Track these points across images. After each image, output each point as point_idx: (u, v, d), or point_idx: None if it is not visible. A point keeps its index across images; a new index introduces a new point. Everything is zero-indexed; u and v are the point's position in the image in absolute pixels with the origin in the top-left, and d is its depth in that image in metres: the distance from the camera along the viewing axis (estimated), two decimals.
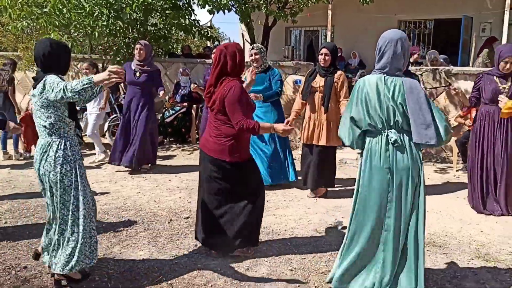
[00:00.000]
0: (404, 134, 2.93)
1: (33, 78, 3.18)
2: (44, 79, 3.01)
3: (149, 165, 6.58)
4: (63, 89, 2.87)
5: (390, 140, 2.92)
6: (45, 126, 3.07)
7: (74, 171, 3.11)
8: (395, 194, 2.94)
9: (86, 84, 2.84)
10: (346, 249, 3.13)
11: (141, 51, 6.12)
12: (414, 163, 2.93)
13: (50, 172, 3.06)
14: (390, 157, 2.93)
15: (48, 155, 3.06)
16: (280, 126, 3.44)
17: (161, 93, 6.17)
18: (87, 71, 6.74)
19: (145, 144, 6.31)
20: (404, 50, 2.94)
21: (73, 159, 3.11)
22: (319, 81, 5.14)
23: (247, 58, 4.90)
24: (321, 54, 5.11)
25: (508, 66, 4.70)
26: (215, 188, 3.61)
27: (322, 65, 5.12)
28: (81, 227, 3.12)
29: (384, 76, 2.96)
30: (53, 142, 3.08)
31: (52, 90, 2.92)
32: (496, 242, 4.13)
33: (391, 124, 2.93)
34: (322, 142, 5.17)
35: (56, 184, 3.08)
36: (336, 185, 5.55)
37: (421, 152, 2.99)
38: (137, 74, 6.14)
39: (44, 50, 3.07)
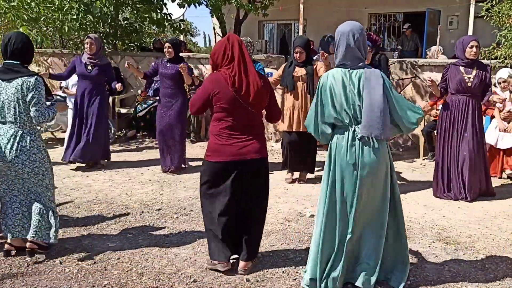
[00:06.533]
0: None
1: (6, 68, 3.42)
2: (35, 82, 3.37)
3: (106, 160, 6.50)
4: (44, 118, 3.41)
5: (357, 136, 2.92)
6: (20, 117, 3.38)
7: (47, 158, 3.57)
8: (361, 190, 2.95)
9: (54, 114, 3.52)
10: (321, 247, 3.06)
11: (92, 45, 6.05)
12: (381, 158, 2.94)
13: (25, 160, 3.40)
14: (356, 152, 2.92)
15: (21, 145, 3.37)
16: None
17: (118, 86, 6.09)
18: None
19: (99, 138, 6.22)
20: (358, 42, 2.95)
21: (44, 147, 3.55)
22: (299, 71, 5.38)
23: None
24: (296, 52, 5.37)
25: (474, 49, 4.86)
26: (254, 191, 3.32)
27: (298, 61, 5.38)
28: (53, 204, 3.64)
29: (349, 70, 2.95)
30: (25, 133, 3.40)
31: (35, 104, 3.36)
32: (457, 226, 4.31)
33: (359, 120, 2.93)
34: None
35: (33, 170, 3.45)
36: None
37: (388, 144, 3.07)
38: (89, 67, 6.08)
39: (19, 43, 3.39)
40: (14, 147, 3.36)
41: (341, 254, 3.03)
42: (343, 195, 2.99)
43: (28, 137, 3.41)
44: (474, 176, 5.03)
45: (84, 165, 6.31)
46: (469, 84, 4.89)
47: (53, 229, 3.57)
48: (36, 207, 3.54)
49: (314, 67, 5.33)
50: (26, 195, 3.55)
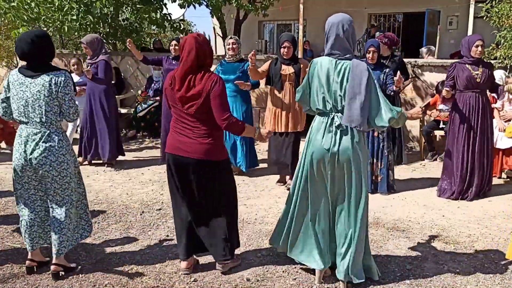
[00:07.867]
0: None
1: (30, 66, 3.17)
2: (65, 78, 3.16)
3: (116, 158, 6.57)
4: (78, 114, 3.32)
5: (335, 123, 3.02)
6: (47, 116, 3.16)
7: (75, 160, 3.40)
8: (331, 176, 3.07)
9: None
10: (288, 220, 3.34)
11: (86, 49, 6.07)
12: (357, 147, 3.02)
13: (54, 162, 3.17)
14: (332, 139, 3.02)
15: (50, 145, 3.15)
16: (264, 132, 3.38)
17: (87, 72, 5.98)
18: (77, 66, 7.23)
19: (111, 136, 6.29)
20: (347, 32, 3.02)
21: (71, 148, 3.37)
22: (287, 69, 5.17)
23: (220, 52, 4.99)
24: (284, 47, 5.14)
25: (479, 48, 4.93)
26: (201, 192, 3.28)
27: (286, 57, 5.17)
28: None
29: (336, 61, 3.03)
30: (52, 133, 3.20)
31: (69, 100, 3.20)
32: (456, 226, 4.33)
33: (339, 109, 3.03)
34: (297, 128, 5.28)
35: (60, 173, 3.22)
36: None
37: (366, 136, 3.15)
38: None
39: (24, 47, 3.10)
40: (42, 148, 3.12)
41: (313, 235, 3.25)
42: (315, 177, 3.13)
43: (56, 137, 3.18)
44: (483, 173, 5.11)
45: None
46: (478, 80, 4.95)
47: (81, 232, 3.46)
48: (57, 214, 3.28)
49: (302, 66, 5.18)
50: (47, 202, 3.33)
